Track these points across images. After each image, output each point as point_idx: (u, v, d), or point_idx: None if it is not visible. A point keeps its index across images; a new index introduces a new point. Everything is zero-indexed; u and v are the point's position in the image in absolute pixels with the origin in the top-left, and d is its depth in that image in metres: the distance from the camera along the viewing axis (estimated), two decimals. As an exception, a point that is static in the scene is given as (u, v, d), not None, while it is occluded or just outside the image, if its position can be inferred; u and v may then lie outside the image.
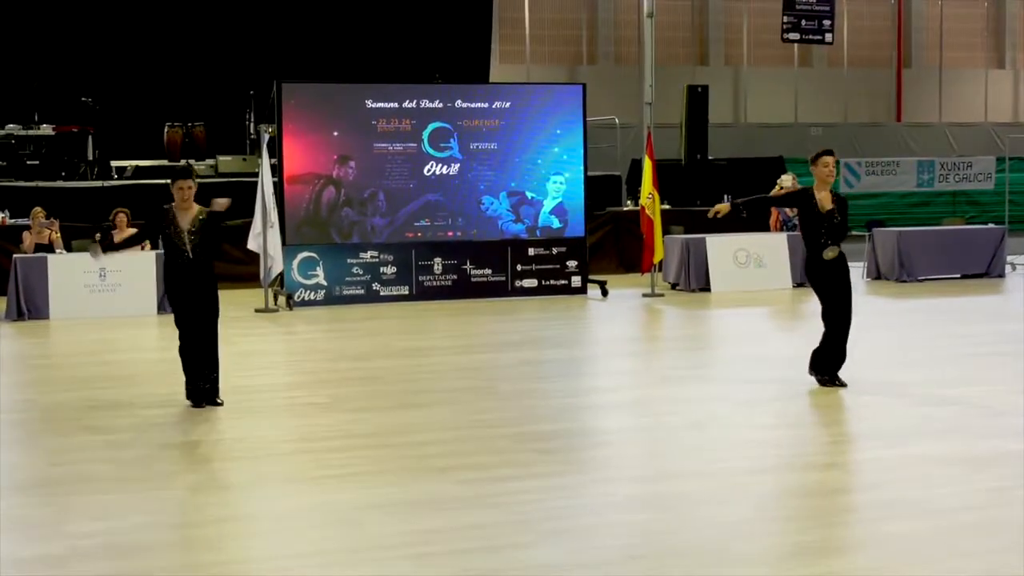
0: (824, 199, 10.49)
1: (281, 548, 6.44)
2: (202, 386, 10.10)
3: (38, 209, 18.29)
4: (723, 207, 11.18)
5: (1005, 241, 20.97)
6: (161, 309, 16.40)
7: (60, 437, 9.26)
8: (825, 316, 10.67)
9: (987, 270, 20.61)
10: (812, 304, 17.57)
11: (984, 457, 8.13)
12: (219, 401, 10.15)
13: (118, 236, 17.63)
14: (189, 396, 10.12)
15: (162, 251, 17.07)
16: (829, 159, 10.62)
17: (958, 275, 20.45)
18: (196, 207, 10.17)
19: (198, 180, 10.54)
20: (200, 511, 7.27)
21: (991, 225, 22.20)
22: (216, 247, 10.66)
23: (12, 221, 19.60)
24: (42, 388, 11.79)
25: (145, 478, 7.89)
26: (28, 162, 21.62)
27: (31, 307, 16.49)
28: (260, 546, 6.51)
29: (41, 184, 21.01)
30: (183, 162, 10.62)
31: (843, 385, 10.56)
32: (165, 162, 22.57)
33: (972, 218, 26.97)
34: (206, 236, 10.17)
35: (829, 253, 10.40)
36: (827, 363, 10.66)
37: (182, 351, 10.12)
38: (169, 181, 10.27)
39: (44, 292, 16.60)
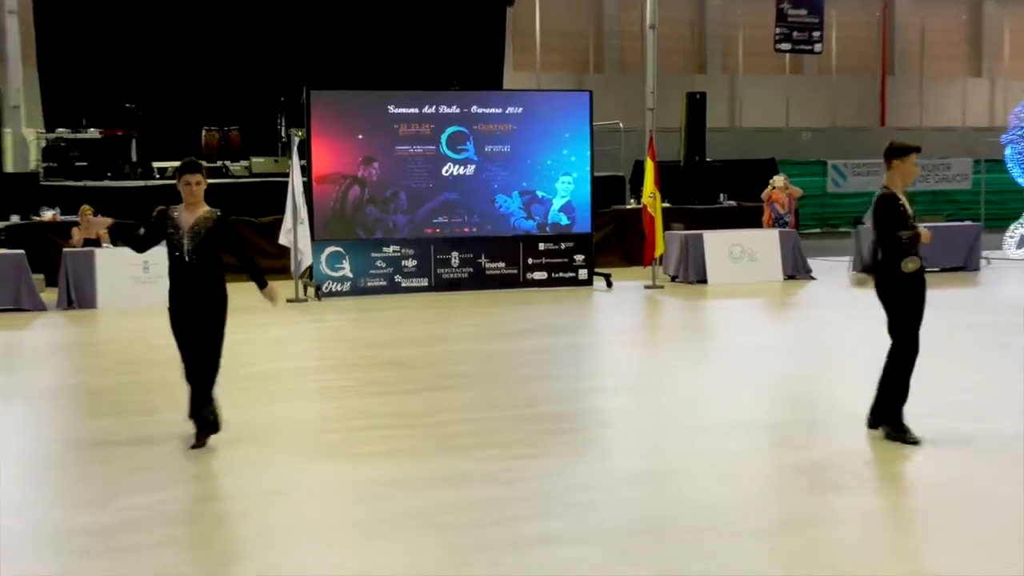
0: (907, 202, 8.40)
1: (311, 519, 6.48)
2: (208, 417, 8.11)
3: (86, 206, 18.34)
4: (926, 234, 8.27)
5: (981, 237, 20.94)
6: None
7: (108, 417, 9.31)
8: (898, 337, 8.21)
9: (964, 264, 20.59)
10: (801, 294, 17.63)
11: (961, 437, 8.13)
12: (216, 430, 8.18)
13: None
14: (190, 415, 8.19)
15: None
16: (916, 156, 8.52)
17: (937, 269, 20.40)
18: (205, 207, 8.35)
19: (208, 178, 8.70)
20: (237, 485, 7.31)
21: (968, 222, 22.15)
22: (220, 252, 8.32)
23: (62, 218, 19.67)
24: (91, 371, 11.84)
25: (186, 455, 7.92)
26: (77, 163, 21.69)
27: (79, 297, 16.56)
28: (292, 517, 6.54)
29: (89, 184, 21.09)
30: (189, 158, 8.15)
31: (914, 442, 7.90)
32: (203, 163, 22.62)
33: (950, 216, 26.87)
34: (211, 239, 8.22)
35: (911, 265, 8.19)
36: (889, 405, 8.09)
37: (187, 375, 8.21)
38: (175, 176, 8.47)
39: (92, 283, 16.67)
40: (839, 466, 7.56)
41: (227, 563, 5.80)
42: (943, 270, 20.32)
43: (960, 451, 7.78)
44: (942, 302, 16.59)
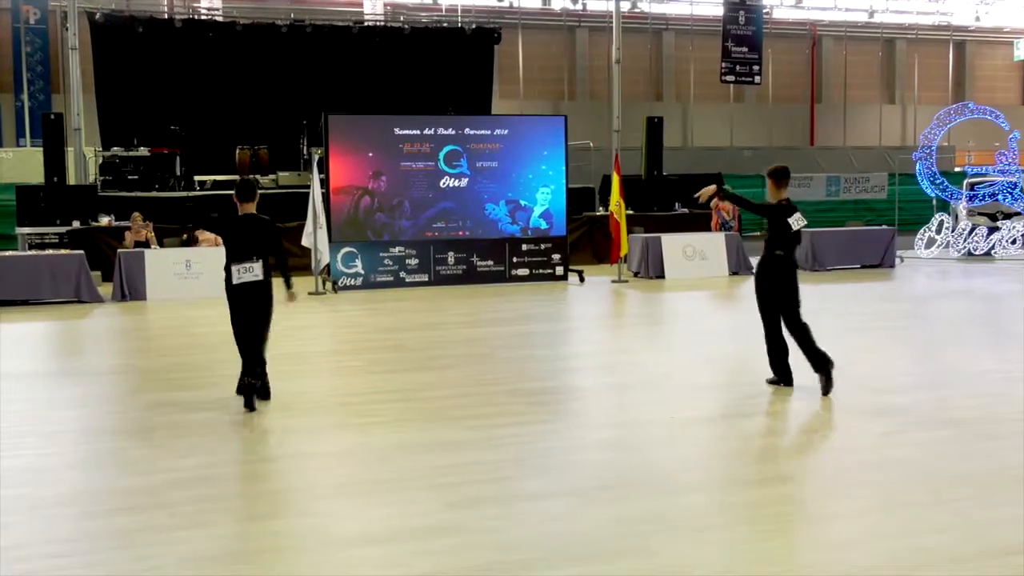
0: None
1: (329, 479, 6.45)
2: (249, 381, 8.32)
3: (136, 214, 18.27)
4: (710, 189, 9.20)
5: (895, 239, 20.97)
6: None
7: (154, 392, 9.24)
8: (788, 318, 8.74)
9: (881, 262, 20.63)
10: (744, 287, 17.64)
11: (877, 408, 8.14)
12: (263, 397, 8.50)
13: (200, 235, 17.59)
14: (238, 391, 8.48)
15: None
16: None
17: (858, 266, 20.46)
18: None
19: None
20: (265, 450, 7.27)
21: (884, 227, 22.18)
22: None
23: (116, 223, 19.57)
24: (140, 354, 11.77)
25: (221, 425, 7.88)
26: (128, 177, 21.59)
27: (131, 290, 16.46)
28: (312, 477, 6.50)
29: (139, 194, 20.99)
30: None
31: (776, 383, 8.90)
32: (237, 177, 22.55)
33: (869, 221, 26.91)
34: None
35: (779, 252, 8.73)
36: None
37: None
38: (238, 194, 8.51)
39: (142, 279, 16.57)
40: (776, 433, 7.54)
41: (256, 517, 5.76)
42: (863, 267, 20.40)
43: (878, 419, 7.76)
44: (863, 293, 16.63)
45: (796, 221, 8.76)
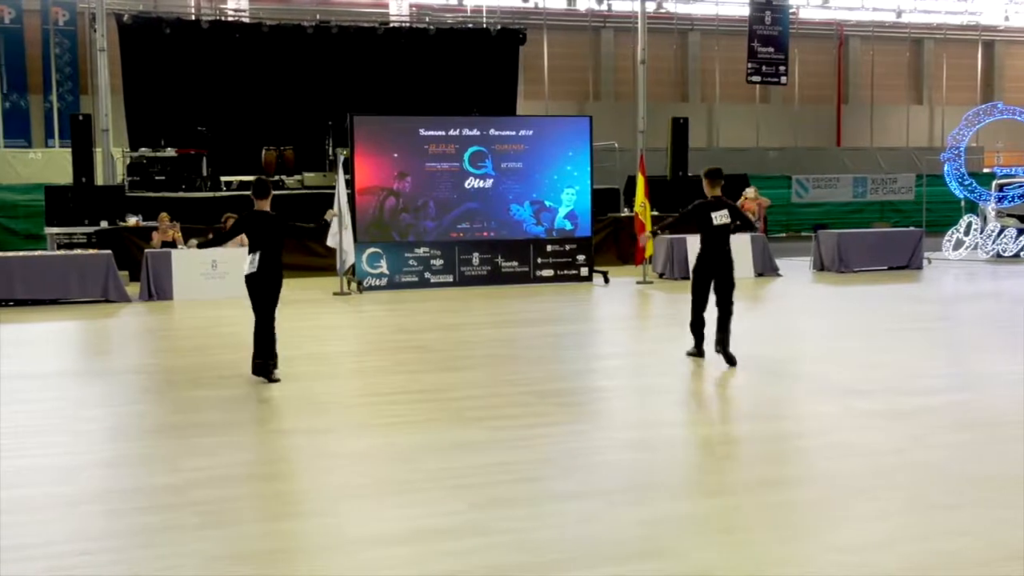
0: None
1: (351, 478, 6.45)
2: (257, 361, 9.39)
3: (164, 214, 18.38)
4: (647, 240, 11.12)
5: (923, 240, 20.81)
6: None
7: (179, 392, 9.29)
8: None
9: (908, 263, 20.48)
10: (770, 289, 17.56)
11: (903, 410, 8.08)
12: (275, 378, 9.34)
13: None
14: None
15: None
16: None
17: (885, 267, 20.32)
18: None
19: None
20: (289, 450, 7.29)
21: (911, 228, 22.01)
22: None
23: (144, 224, 19.70)
24: (167, 353, 11.83)
25: (245, 424, 7.91)
26: (156, 177, 21.72)
27: (158, 290, 16.57)
28: (335, 476, 6.51)
29: (166, 195, 21.12)
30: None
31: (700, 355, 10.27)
32: (263, 177, 22.66)
33: (896, 223, 26.74)
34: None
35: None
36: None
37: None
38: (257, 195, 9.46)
39: (168, 279, 16.68)
40: (800, 435, 7.50)
41: (280, 516, 5.78)
42: (890, 268, 20.26)
43: (906, 421, 7.70)
44: (890, 295, 16.51)
45: (718, 216, 9.72)
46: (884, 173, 29.66)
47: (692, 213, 9.98)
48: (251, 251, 9.32)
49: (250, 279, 9.33)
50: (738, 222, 10.05)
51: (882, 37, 38.82)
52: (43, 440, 7.47)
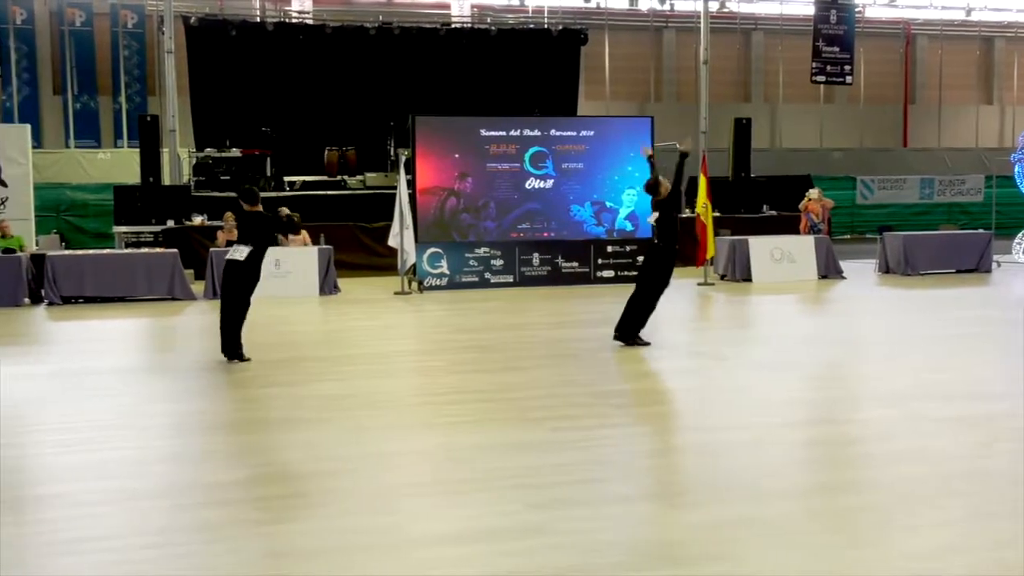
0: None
1: (410, 477, 6.46)
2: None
3: (228, 213, 18.59)
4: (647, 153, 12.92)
5: (992, 243, 20.41)
6: (322, 291, 16.57)
7: (242, 389, 9.40)
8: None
9: (976, 267, 20.10)
10: (834, 291, 17.31)
11: (968, 416, 7.91)
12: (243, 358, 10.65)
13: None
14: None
15: (326, 247, 17.37)
16: None
17: (953, 270, 19.95)
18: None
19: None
20: (348, 448, 7.31)
21: (980, 231, 21.58)
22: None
23: (209, 223, 19.97)
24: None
25: (308, 421, 7.96)
26: (221, 177, 22.04)
27: (223, 289, 16.75)
28: (395, 475, 6.52)
29: (231, 194, 21.33)
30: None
31: (646, 344, 11.38)
32: (325, 177, 22.88)
33: (964, 225, 26.25)
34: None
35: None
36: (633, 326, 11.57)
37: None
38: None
39: (233, 277, 16.85)
40: (863, 440, 7.37)
41: (338, 514, 5.80)
42: (957, 271, 19.89)
43: (974, 428, 7.54)
44: (958, 299, 16.20)
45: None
46: (952, 174, 29.14)
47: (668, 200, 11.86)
48: (242, 244, 10.61)
49: (234, 265, 10.51)
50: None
51: (951, 36, 38.12)
52: (111, 435, 7.60)
